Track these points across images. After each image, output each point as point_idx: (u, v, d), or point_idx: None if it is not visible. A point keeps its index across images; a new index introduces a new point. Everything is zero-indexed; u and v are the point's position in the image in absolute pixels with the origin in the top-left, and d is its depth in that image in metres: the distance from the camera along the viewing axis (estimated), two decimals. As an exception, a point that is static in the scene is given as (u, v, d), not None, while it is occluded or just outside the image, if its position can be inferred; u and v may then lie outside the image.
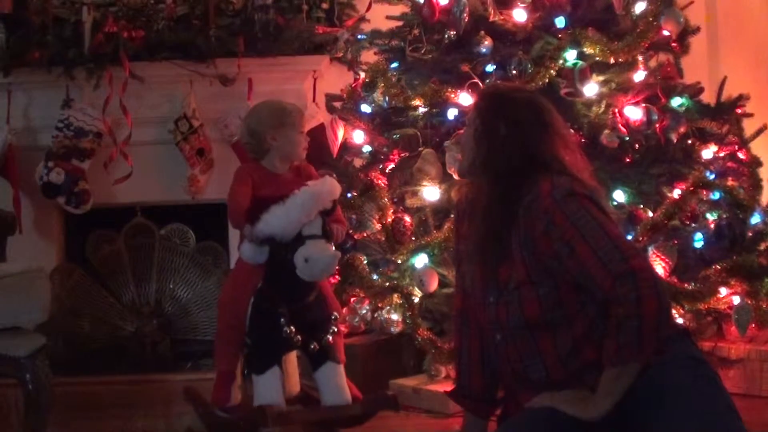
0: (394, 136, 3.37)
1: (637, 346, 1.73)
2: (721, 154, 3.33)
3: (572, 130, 3.03)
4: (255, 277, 2.51)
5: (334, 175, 2.81)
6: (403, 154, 3.33)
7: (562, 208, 1.84)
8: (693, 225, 3.16)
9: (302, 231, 2.38)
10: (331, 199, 2.48)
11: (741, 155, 3.37)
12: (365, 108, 3.46)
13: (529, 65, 3.10)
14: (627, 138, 3.13)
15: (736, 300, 3.00)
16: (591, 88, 3.10)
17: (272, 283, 2.46)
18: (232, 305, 2.57)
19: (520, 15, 3.23)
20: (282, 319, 2.43)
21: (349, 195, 3.33)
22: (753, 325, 3.03)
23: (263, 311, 2.47)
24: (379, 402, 2.58)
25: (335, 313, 2.56)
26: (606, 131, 3.10)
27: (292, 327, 2.43)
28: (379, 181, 3.25)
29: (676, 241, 3.05)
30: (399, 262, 3.16)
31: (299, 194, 2.41)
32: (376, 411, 2.56)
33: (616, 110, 3.14)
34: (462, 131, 2.16)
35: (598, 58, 3.13)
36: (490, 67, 3.23)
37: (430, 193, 3.15)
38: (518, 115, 1.97)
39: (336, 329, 2.53)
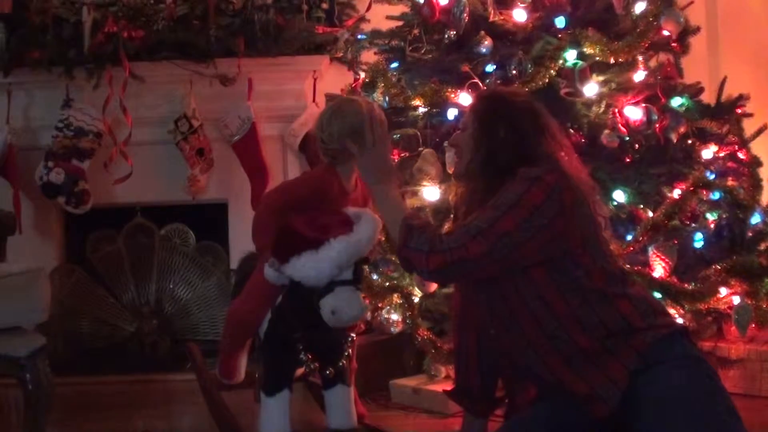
0: (394, 136, 3.36)
1: (403, 241, 1.91)
2: (721, 154, 3.32)
3: (572, 131, 3.05)
4: (275, 291, 2.37)
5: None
6: (403, 154, 3.33)
7: (510, 183, 1.87)
8: (693, 225, 3.15)
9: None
10: (370, 248, 2.29)
11: (741, 155, 3.36)
12: (365, 108, 3.44)
13: (529, 65, 3.09)
14: (627, 138, 3.12)
15: (736, 300, 2.99)
16: (591, 88, 3.10)
17: (292, 304, 2.32)
18: (246, 317, 2.43)
19: (520, 15, 3.23)
20: (299, 345, 2.33)
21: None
22: (753, 325, 3.02)
23: (280, 334, 2.36)
24: None
25: (352, 335, 2.45)
26: (606, 131, 3.09)
27: (309, 355, 2.34)
28: (379, 181, 3.24)
29: (676, 241, 3.04)
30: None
31: (335, 246, 2.17)
32: None
33: (616, 110, 3.14)
34: (457, 133, 2.16)
35: (598, 58, 3.12)
36: (490, 67, 3.22)
37: (430, 193, 3.15)
38: (516, 117, 2.00)
39: (350, 352, 2.43)
